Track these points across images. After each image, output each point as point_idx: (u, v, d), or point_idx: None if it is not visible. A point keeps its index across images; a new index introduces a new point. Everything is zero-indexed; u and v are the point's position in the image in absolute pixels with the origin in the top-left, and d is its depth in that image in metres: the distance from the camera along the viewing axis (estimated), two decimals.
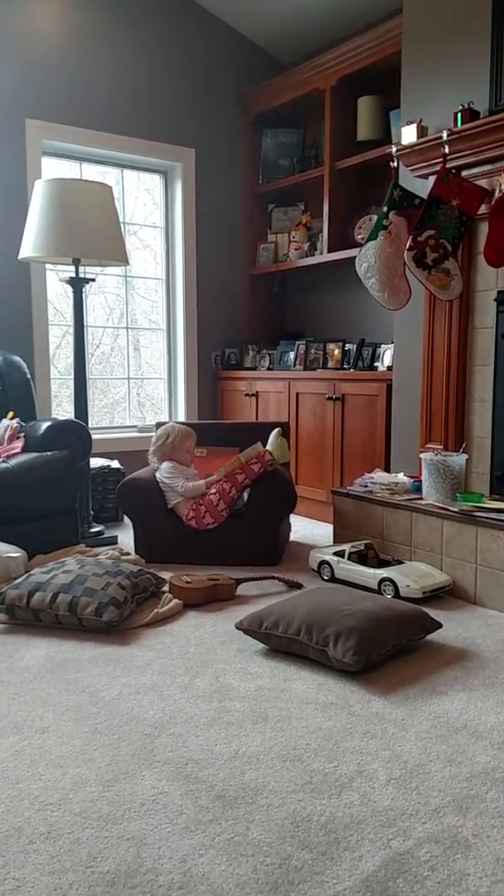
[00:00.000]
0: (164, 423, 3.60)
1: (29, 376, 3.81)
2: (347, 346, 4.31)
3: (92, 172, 4.60)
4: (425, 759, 1.73)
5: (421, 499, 3.16)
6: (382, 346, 4.04)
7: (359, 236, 4.31)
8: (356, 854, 1.39)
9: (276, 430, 3.47)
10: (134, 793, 1.59)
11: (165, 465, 3.36)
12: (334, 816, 1.51)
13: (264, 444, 3.42)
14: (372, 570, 2.91)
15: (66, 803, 1.55)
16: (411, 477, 3.37)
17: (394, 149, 3.36)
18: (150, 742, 1.80)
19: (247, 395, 4.73)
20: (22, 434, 3.47)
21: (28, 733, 1.85)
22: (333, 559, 3.06)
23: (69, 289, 3.76)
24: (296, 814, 1.52)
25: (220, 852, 1.40)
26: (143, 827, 1.47)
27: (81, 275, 3.72)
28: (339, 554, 3.06)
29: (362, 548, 3.07)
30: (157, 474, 3.37)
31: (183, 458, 3.41)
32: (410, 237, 3.16)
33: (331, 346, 4.37)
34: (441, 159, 3.14)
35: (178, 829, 1.47)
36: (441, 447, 3.35)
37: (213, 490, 3.26)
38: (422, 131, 3.30)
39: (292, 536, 3.86)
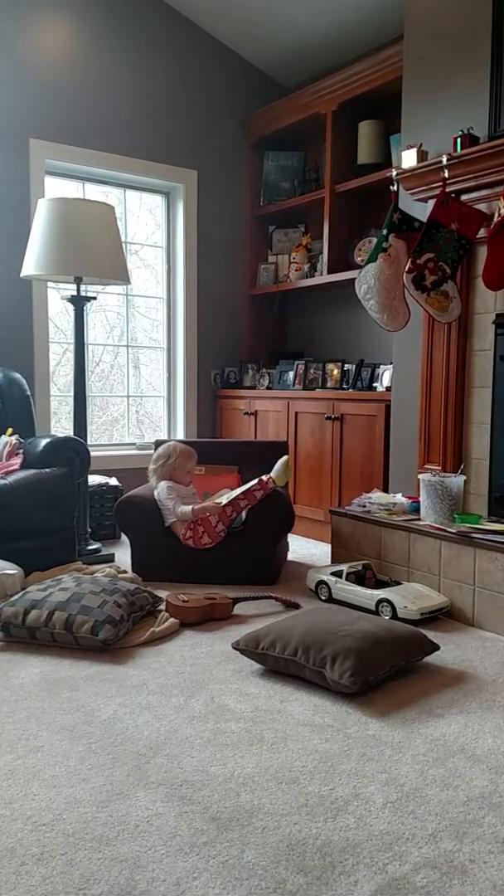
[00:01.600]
0: (163, 442, 3.60)
1: (29, 393, 3.82)
2: (346, 367, 4.33)
3: (94, 192, 4.64)
4: (422, 782, 1.72)
5: (419, 520, 3.16)
6: (381, 366, 4.06)
7: (358, 258, 4.34)
8: (352, 879, 1.38)
9: (285, 458, 3.45)
10: (128, 814, 1.57)
11: (163, 484, 3.36)
12: (330, 840, 1.49)
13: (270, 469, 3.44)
14: (370, 591, 2.90)
15: (60, 824, 1.54)
16: (409, 498, 3.37)
17: (394, 172, 3.39)
18: (144, 763, 1.79)
19: (246, 413, 4.74)
20: (21, 451, 3.47)
21: (22, 752, 1.83)
22: (331, 579, 3.05)
23: (70, 307, 3.78)
24: (291, 837, 1.50)
25: (215, 875, 1.38)
26: (136, 848, 1.46)
27: (83, 293, 3.74)
28: (337, 574, 3.05)
29: (360, 568, 3.06)
30: (155, 493, 3.37)
31: (182, 478, 3.41)
32: (410, 260, 3.19)
33: (330, 366, 4.39)
34: (441, 183, 3.17)
35: (172, 851, 1.45)
36: (439, 468, 3.36)
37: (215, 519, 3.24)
38: (422, 156, 3.34)
39: (290, 556, 3.86)
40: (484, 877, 1.39)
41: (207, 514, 3.24)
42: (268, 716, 2.05)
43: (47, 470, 3.33)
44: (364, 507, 3.38)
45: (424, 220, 3.22)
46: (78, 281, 3.68)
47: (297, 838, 1.50)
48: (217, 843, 1.48)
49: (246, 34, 4.71)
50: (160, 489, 3.36)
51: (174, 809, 1.59)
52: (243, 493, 3.28)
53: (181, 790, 1.67)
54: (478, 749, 1.88)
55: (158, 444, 3.60)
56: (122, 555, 3.76)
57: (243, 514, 3.35)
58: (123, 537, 4.15)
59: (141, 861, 1.42)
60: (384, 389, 3.91)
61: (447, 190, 3.17)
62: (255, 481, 3.31)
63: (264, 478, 3.33)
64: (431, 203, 3.24)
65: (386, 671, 2.20)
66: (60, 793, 1.65)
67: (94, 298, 3.84)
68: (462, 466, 3.32)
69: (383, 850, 1.47)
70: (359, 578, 3.03)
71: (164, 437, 4.98)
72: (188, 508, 3.25)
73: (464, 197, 3.20)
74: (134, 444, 4.88)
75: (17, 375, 3.84)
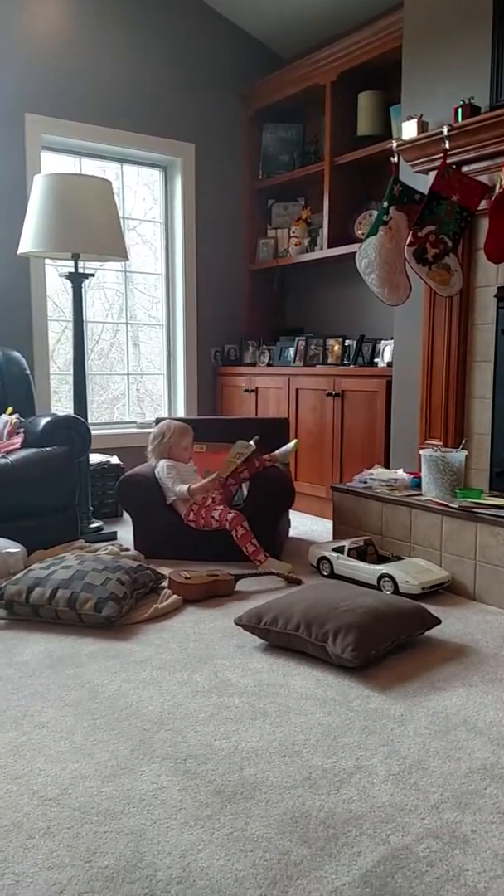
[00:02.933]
0: (164, 419, 3.60)
1: (28, 372, 3.81)
2: (347, 342, 4.30)
3: (91, 167, 4.58)
4: (424, 754, 1.73)
5: (420, 495, 3.16)
6: (382, 342, 4.04)
7: (359, 232, 4.30)
8: (355, 849, 1.40)
9: (294, 442, 3.52)
10: (133, 788, 1.59)
11: (162, 463, 3.36)
12: (333, 812, 1.51)
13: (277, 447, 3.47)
14: (371, 567, 2.91)
15: (66, 798, 1.55)
16: (411, 473, 3.37)
17: (394, 144, 3.35)
18: (149, 737, 1.80)
19: (246, 391, 4.72)
20: (21, 430, 3.47)
21: (27, 728, 1.85)
22: (333, 555, 3.06)
23: (68, 284, 3.75)
24: (295, 809, 1.52)
25: (219, 847, 1.40)
26: (142, 822, 1.48)
27: (81, 270, 3.71)
28: (339, 550, 3.06)
29: (361, 544, 3.07)
30: (156, 472, 3.37)
31: (180, 455, 3.40)
32: (411, 233, 3.16)
33: (330, 341, 4.37)
34: (441, 155, 3.13)
35: (177, 824, 1.47)
36: (441, 443, 3.35)
37: (217, 510, 3.21)
38: (422, 127, 3.29)
39: (292, 532, 3.87)
40: (486, 846, 1.41)
41: (206, 493, 3.25)
42: (271, 690, 2.06)
43: (48, 449, 3.33)
44: (365, 483, 3.38)
45: (425, 192, 3.18)
46: (75, 257, 3.64)
47: (301, 810, 1.51)
48: (221, 816, 1.49)
49: (243, 4, 4.62)
50: (160, 467, 3.36)
51: (179, 783, 1.61)
52: (244, 463, 3.31)
53: (185, 764, 1.68)
54: (479, 721, 1.89)
55: (158, 421, 3.59)
56: (125, 533, 3.77)
57: (244, 490, 3.36)
58: (125, 515, 4.16)
59: (146, 834, 1.44)
60: (385, 365, 3.90)
61: (448, 161, 3.12)
62: (257, 462, 3.36)
63: (266, 457, 3.36)
64: (432, 175, 3.20)
65: (388, 645, 2.22)
66: (66, 768, 1.67)
67: (93, 275, 3.81)
68: (463, 441, 3.32)
69: (386, 822, 1.48)
70: (360, 554, 3.04)
71: (164, 415, 4.97)
72: (184, 487, 3.25)
73: (465, 168, 3.16)
74: (134, 422, 4.87)
75: (17, 354, 3.82)
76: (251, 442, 3.31)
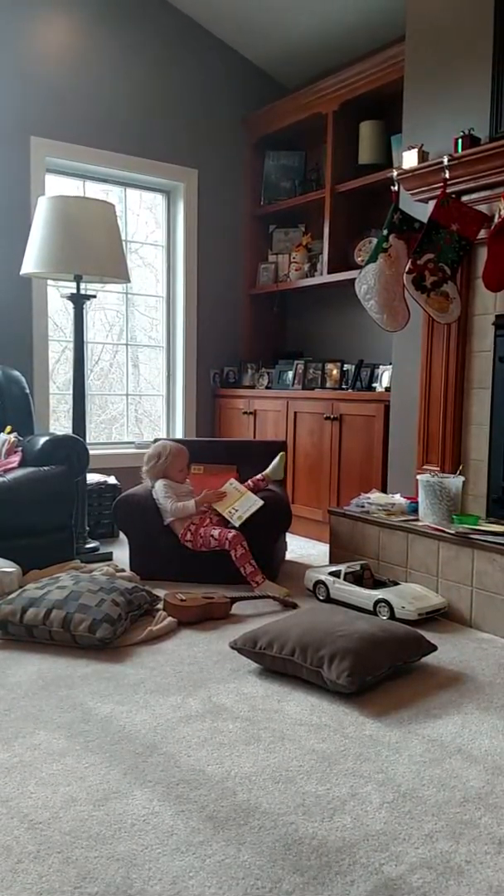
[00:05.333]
0: (160, 440, 3.61)
1: (28, 391, 3.82)
2: (346, 367, 4.33)
3: (95, 190, 4.63)
4: (418, 783, 1.72)
5: (417, 520, 3.16)
6: (381, 367, 4.06)
7: (359, 258, 4.34)
8: (348, 878, 1.38)
9: (281, 454, 3.50)
10: (125, 812, 1.57)
11: (160, 483, 3.36)
12: (326, 840, 1.49)
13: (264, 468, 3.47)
14: (367, 591, 2.90)
15: (56, 822, 1.54)
16: (408, 498, 3.37)
17: (394, 173, 3.39)
18: (141, 761, 1.79)
19: (245, 413, 4.74)
20: (19, 448, 3.47)
21: (19, 750, 1.83)
22: (329, 579, 3.05)
23: (69, 304, 3.78)
24: (287, 836, 1.50)
25: (211, 874, 1.38)
26: (133, 847, 1.46)
27: (83, 291, 3.74)
28: (335, 574, 3.05)
29: (358, 568, 3.06)
30: (153, 492, 3.37)
31: (175, 476, 3.40)
32: (410, 260, 3.19)
33: (329, 366, 4.39)
34: (441, 184, 3.17)
35: (168, 850, 1.45)
36: (438, 469, 3.36)
37: (217, 530, 3.22)
38: (422, 156, 3.34)
39: (288, 556, 3.86)
40: (480, 877, 1.39)
41: (207, 502, 3.28)
42: (265, 715, 2.05)
43: (46, 468, 3.33)
44: (362, 507, 3.38)
45: (425, 220, 3.22)
46: (77, 279, 3.67)
47: (294, 838, 1.50)
48: (213, 843, 1.48)
49: (247, 33, 4.70)
50: (157, 488, 3.36)
51: (171, 808, 1.59)
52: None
53: (178, 789, 1.67)
54: (474, 750, 1.88)
55: (157, 442, 3.60)
56: (121, 553, 3.76)
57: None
58: (122, 536, 4.15)
59: (137, 860, 1.42)
60: (383, 390, 3.92)
61: (448, 191, 3.17)
62: (251, 483, 3.38)
63: (259, 477, 3.37)
64: (432, 204, 3.24)
65: (383, 671, 2.21)
66: (57, 791, 1.65)
67: (94, 297, 3.83)
68: (461, 467, 3.32)
69: (380, 851, 1.47)
70: (357, 579, 3.04)
71: (162, 435, 4.98)
72: (191, 503, 3.26)
73: (464, 198, 3.20)
74: (133, 442, 4.87)
75: (17, 373, 3.84)
76: (259, 499, 3.25)
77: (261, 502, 3.24)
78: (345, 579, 3.01)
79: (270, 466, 3.46)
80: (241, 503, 3.27)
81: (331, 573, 3.07)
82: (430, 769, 1.78)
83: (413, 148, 3.36)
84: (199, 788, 1.67)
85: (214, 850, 1.45)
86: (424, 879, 1.38)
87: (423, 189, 3.31)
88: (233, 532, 3.17)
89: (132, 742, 1.88)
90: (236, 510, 3.25)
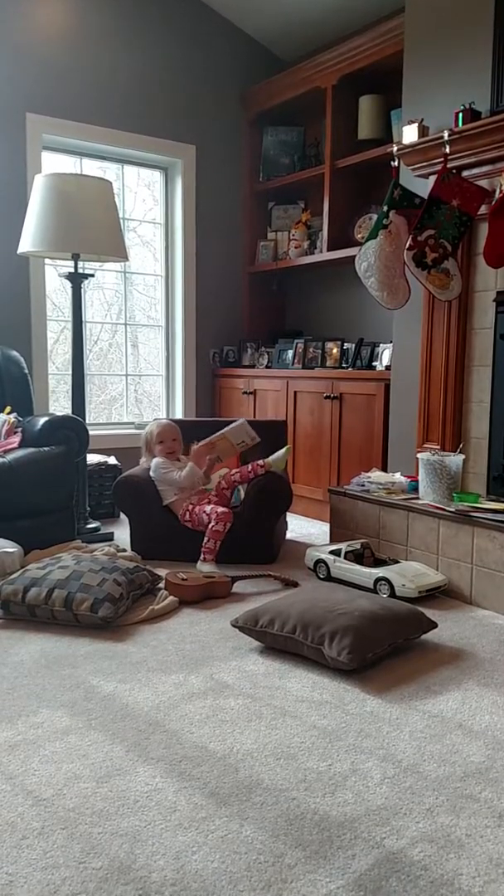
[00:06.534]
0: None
1: (27, 371, 3.80)
2: (346, 345, 4.31)
3: (92, 168, 4.59)
4: (419, 758, 1.73)
5: (417, 499, 3.17)
6: (381, 345, 4.04)
7: (359, 235, 4.31)
8: (349, 853, 1.40)
9: (286, 448, 3.45)
10: (128, 789, 1.59)
11: (156, 460, 3.36)
12: (328, 815, 1.51)
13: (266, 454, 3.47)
14: (368, 570, 2.91)
15: (60, 799, 1.55)
16: (408, 477, 3.37)
17: (395, 148, 3.35)
18: (144, 739, 1.80)
19: (245, 393, 4.72)
20: (19, 429, 3.46)
21: (22, 728, 1.85)
22: (330, 558, 3.06)
23: (67, 284, 3.75)
24: (289, 812, 1.52)
25: (214, 850, 1.40)
26: (136, 823, 1.47)
27: (80, 270, 3.71)
28: (336, 553, 3.06)
29: (358, 547, 3.07)
30: (151, 473, 3.37)
31: (167, 456, 3.39)
32: (410, 237, 3.16)
33: (329, 344, 4.37)
34: (442, 159, 3.14)
35: (171, 826, 1.47)
36: (438, 447, 3.35)
37: (210, 506, 3.22)
38: (423, 131, 3.30)
39: (289, 535, 3.87)
40: (480, 851, 1.41)
41: (199, 456, 3.33)
42: (266, 692, 2.06)
43: (46, 449, 3.32)
44: (363, 486, 3.38)
45: (425, 196, 3.19)
46: (75, 258, 3.64)
47: (296, 813, 1.51)
48: (216, 818, 1.49)
49: (245, 6, 4.63)
50: (153, 466, 3.36)
51: (173, 785, 1.61)
52: (238, 471, 3.34)
53: (180, 766, 1.68)
54: (475, 725, 1.89)
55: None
56: (121, 533, 3.77)
57: (242, 492, 3.36)
58: (122, 516, 4.15)
59: (141, 835, 1.44)
60: (384, 368, 3.90)
61: (448, 166, 3.13)
62: (250, 466, 3.35)
63: (260, 462, 3.35)
64: (432, 179, 3.21)
65: (384, 649, 2.22)
66: (60, 768, 1.67)
67: (92, 276, 3.81)
68: (461, 445, 3.32)
69: (381, 825, 1.48)
70: (357, 557, 3.04)
71: (162, 416, 4.97)
72: (191, 465, 3.29)
73: (465, 173, 3.16)
74: (132, 423, 4.86)
75: (15, 354, 3.82)
76: (256, 436, 3.36)
77: (243, 419, 3.40)
78: (345, 558, 3.01)
79: (274, 456, 3.40)
80: (233, 434, 3.39)
81: (331, 552, 3.08)
82: (430, 744, 1.79)
83: (413, 122, 3.32)
84: (202, 765, 1.69)
85: (217, 826, 1.47)
86: (425, 853, 1.40)
87: (424, 164, 3.28)
88: (223, 509, 3.17)
89: (135, 719, 1.90)
90: (240, 442, 3.40)
